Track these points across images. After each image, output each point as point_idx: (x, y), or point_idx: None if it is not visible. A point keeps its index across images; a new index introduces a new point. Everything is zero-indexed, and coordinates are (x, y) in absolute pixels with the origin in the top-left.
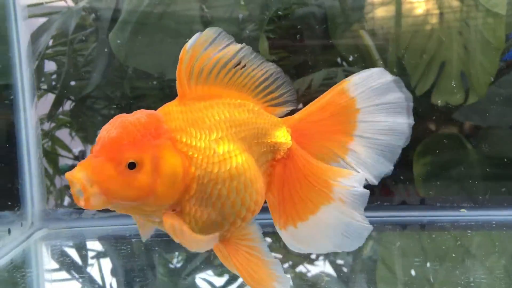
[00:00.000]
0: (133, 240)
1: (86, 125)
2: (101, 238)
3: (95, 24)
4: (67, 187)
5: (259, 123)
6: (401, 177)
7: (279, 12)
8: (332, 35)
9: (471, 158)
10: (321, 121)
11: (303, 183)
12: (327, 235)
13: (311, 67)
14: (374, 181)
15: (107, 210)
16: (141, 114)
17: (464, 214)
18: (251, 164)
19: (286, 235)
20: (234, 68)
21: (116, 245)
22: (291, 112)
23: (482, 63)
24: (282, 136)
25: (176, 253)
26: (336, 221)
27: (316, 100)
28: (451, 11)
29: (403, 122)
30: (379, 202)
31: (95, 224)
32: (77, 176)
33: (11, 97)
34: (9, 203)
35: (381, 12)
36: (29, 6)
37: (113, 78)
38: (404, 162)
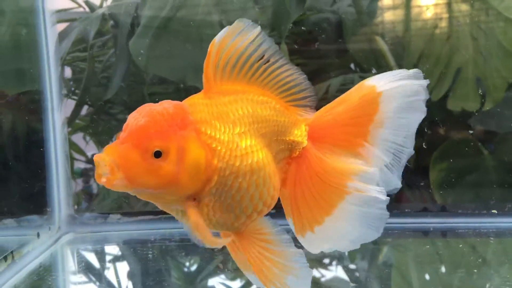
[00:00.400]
0: (157, 244)
1: (101, 130)
2: (126, 243)
3: (113, 31)
4: (84, 192)
5: (280, 120)
6: (418, 183)
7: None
8: (347, 41)
9: (487, 164)
10: (341, 118)
11: (315, 181)
12: (346, 232)
13: (325, 73)
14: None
15: (132, 215)
16: (168, 104)
17: (484, 221)
18: (270, 160)
19: (306, 242)
20: (258, 62)
21: (142, 249)
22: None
23: (497, 68)
24: (299, 135)
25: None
26: (352, 215)
27: (337, 98)
28: (463, 16)
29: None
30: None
31: (120, 229)
32: (105, 159)
33: (40, 102)
34: (37, 207)
35: (395, 17)
36: (57, 11)
37: (130, 84)
38: (420, 168)
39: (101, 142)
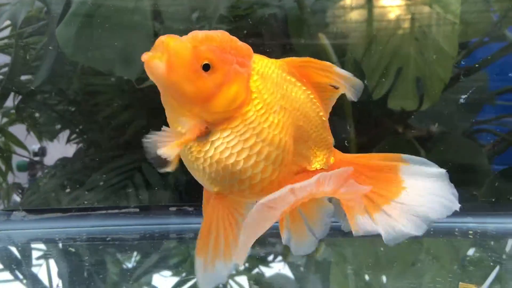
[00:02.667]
0: (63, 244)
1: (39, 121)
2: (30, 242)
3: (46, 17)
4: (17, 185)
5: (318, 131)
6: None
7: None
8: (292, 37)
9: None
10: (369, 178)
11: (371, 176)
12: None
13: None
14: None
15: (38, 212)
16: (241, 42)
17: None
18: (288, 150)
19: (379, 221)
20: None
21: (47, 249)
22: None
23: (435, 69)
24: (319, 161)
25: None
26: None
27: (370, 154)
28: (408, 18)
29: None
30: None
31: (25, 227)
32: (163, 42)
33: None
34: None
35: (341, 16)
36: None
37: (67, 73)
38: None
39: (42, 134)
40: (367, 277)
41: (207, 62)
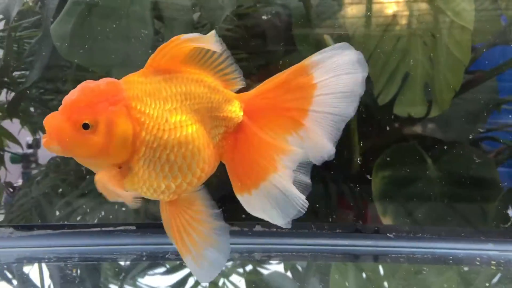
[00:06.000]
0: (53, 264)
1: (33, 116)
2: (18, 261)
3: (40, 11)
4: (8, 184)
5: (213, 97)
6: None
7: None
8: (295, 37)
9: (430, 174)
10: (276, 97)
11: (252, 155)
12: (276, 203)
13: (273, 69)
14: (317, 163)
15: (27, 228)
16: (102, 81)
17: (420, 246)
18: (200, 135)
19: (243, 201)
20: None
21: (34, 271)
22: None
23: (445, 76)
24: (234, 111)
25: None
26: (281, 190)
27: (273, 77)
28: (418, 22)
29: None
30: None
31: (12, 245)
32: (45, 127)
33: None
34: None
35: (348, 17)
36: None
37: (62, 69)
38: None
39: (35, 128)
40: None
41: (84, 122)
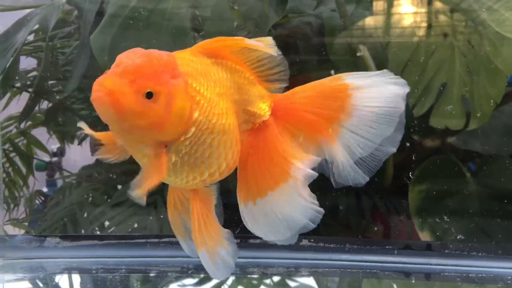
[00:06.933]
0: (100, 274)
1: (63, 125)
2: (64, 271)
3: (77, 21)
4: (38, 192)
5: (250, 91)
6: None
7: None
8: (328, 47)
9: (470, 188)
10: (308, 101)
11: (266, 157)
12: (282, 214)
13: (305, 77)
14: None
15: (73, 239)
16: (163, 52)
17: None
18: (235, 127)
19: (245, 211)
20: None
21: (82, 282)
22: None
23: (485, 87)
24: (263, 108)
25: None
26: (291, 199)
27: (307, 84)
28: (455, 31)
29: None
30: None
31: (59, 255)
32: (103, 84)
33: None
34: None
35: (379, 25)
36: None
37: (94, 79)
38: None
39: (64, 137)
40: None
41: (149, 91)
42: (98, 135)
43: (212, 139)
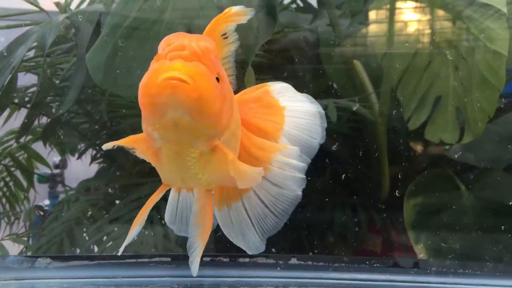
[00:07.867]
0: None
1: (63, 138)
2: None
3: (75, 39)
4: (37, 207)
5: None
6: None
7: None
8: (324, 62)
9: (465, 201)
10: (255, 108)
11: (241, 155)
12: (256, 217)
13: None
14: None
15: (63, 259)
16: (204, 36)
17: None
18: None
19: (221, 216)
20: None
21: None
22: None
23: (479, 101)
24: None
25: None
26: (265, 200)
27: (242, 92)
28: (448, 46)
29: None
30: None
31: (50, 276)
32: (179, 68)
33: None
34: None
35: (375, 41)
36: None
37: (94, 94)
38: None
39: (64, 150)
40: None
41: (217, 76)
42: (125, 142)
43: (237, 132)
